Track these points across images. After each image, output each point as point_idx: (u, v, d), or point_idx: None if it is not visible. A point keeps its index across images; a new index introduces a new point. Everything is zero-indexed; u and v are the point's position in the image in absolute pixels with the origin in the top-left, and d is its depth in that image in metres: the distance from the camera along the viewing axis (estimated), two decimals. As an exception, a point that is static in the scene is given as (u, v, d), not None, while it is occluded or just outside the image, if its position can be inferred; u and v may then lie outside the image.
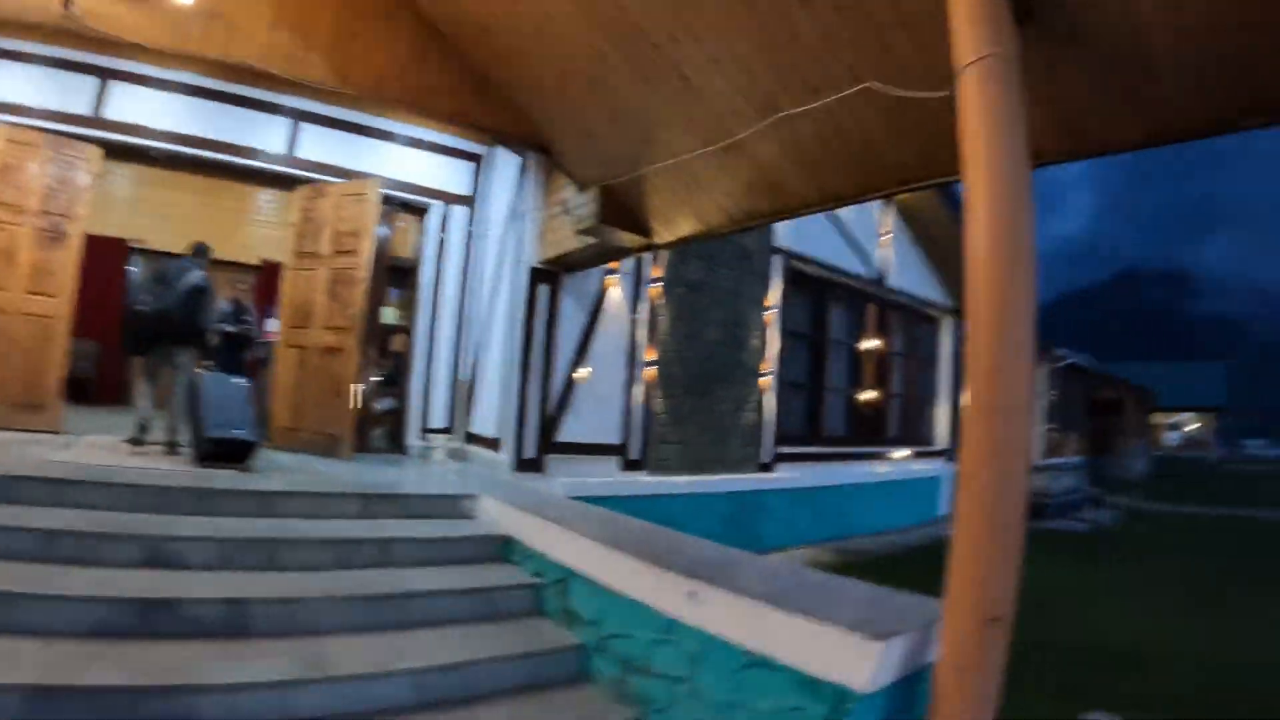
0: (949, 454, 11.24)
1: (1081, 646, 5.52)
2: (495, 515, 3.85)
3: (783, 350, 7.94)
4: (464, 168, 6.17)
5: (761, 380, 7.59)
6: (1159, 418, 39.80)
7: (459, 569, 3.37)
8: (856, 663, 1.97)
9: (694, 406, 6.79)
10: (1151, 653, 5.63)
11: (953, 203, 10.32)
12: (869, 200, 4.31)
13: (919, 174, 3.43)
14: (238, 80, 4.98)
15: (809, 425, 8.77)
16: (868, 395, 9.68)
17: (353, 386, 4.98)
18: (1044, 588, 7.04)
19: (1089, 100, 2.74)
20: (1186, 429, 42.33)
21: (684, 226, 4.78)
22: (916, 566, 7.37)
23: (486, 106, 5.15)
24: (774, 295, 7.79)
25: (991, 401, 1.98)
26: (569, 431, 5.82)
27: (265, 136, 5.27)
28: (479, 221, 6.16)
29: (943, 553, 6.84)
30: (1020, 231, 2.03)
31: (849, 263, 9.12)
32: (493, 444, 5.60)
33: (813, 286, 8.77)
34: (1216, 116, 2.60)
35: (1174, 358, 60.39)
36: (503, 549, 3.64)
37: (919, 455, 10.67)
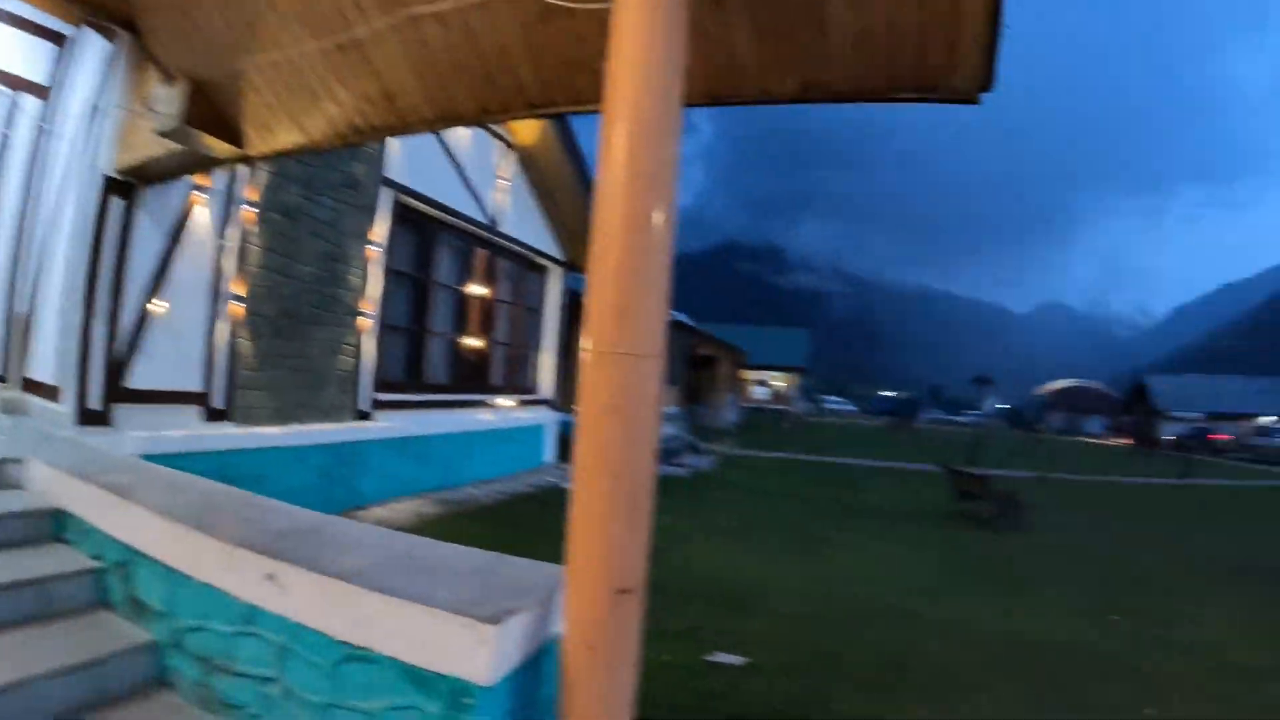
0: (552, 403, 13.61)
1: (697, 589, 6.71)
2: (48, 484, 3.75)
3: (386, 290, 8.97)
4: (44, 49, 5.80)
5: (361, 321, 8.53)
6: (749, 375, 50.78)
7: (2, 556, 3.20)
8: (471, 651, 2.01)
9: (286, 349, 7.47)
10: (763, 591, 7.01)
11: (574, 156, 12.43)
12: (493, 121, 4.14)
13: (553, 98, 3.56)
14: None
15: (412, 371, 10.02)
16: (473, 342, 11.31)
17: None
18: (654, 533, 9.32)
19: (753, 45, 2.95)
20: (773, 385, 54.02)
21: (284, 137, 4.73)
22: (523, 514, 9.13)
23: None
24: (380, 230, 8.75)
25: (619, 346, 2.13)
26: (142, 376, 5.88)
27: None
28: (54, 117, 5.85)
29: (546, 500, 8.95)
30: (664, 168, 2.20)
31: (463, 204, 10.51)
32: (52, 393, 5.48)
33: (422, 225, 9.95)
34: (873, 84, 2.97)
35: (764, 322, 76.77)
36: (58, 526, 3.56)
37: (524, 404, 12.76)
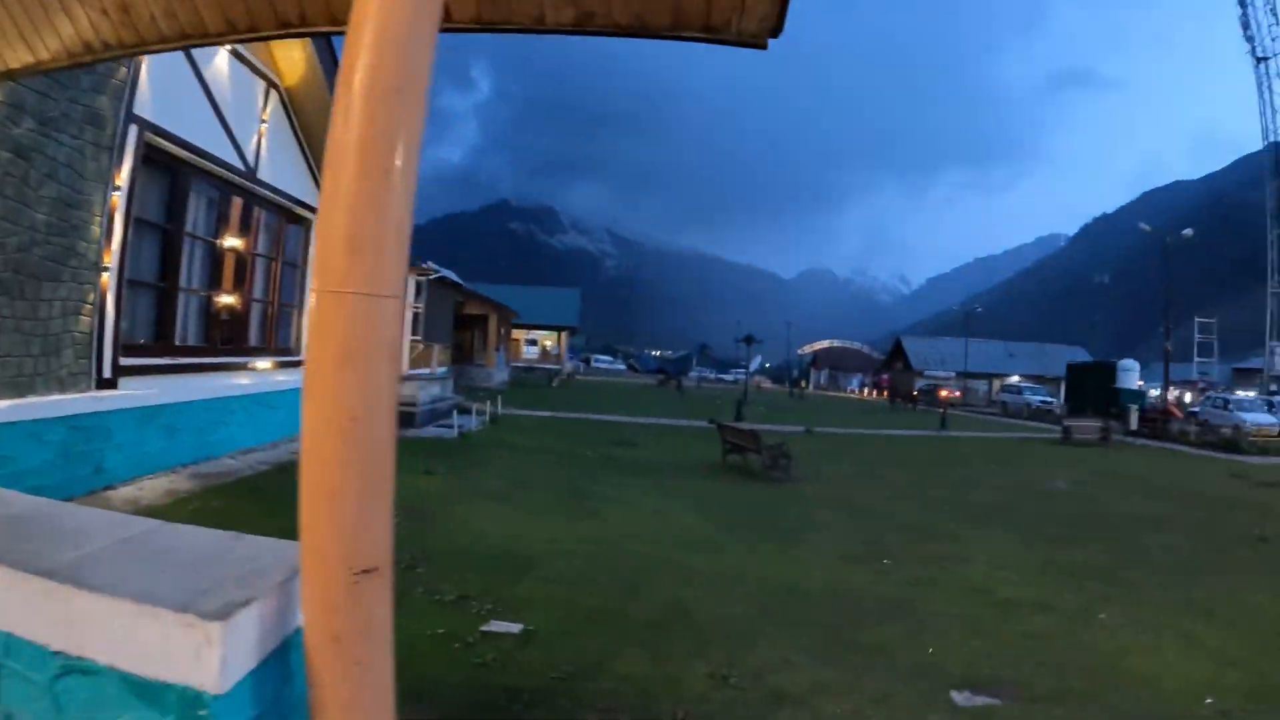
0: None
1: (469, 555, 6.69)
2: None
3: (131, 243, 8.22)
4: None
5: (104, 278, 7.81)
6: (520, 334, 51.03)
7: None
8: (196, 654, 1.79)
9: (15, 309, 6.70)
10: (538, 553, 7.06)
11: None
12: (242, 40, 3.56)
13: (307, 16, 3.32)
14: None
15: (162, 332, 9.28)
16: (230, 300, 10.63)
17: None
18: (421, 497, 8.86)
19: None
20: (544, 344, 54.76)
21: (9, 56, 4.32)
22: (285, 486, 8.83)
23: None
24: (125, 174, 8.00)
25: (352, 284, 1.90)
26: None
27: None
28: None
29: None
30: (411, 86, 2.02)
31: (219, 148, 9.77)
32: None
33: (174, 170, 9.15)
34: (657, 19, 2.89)
35: (536, 282, 77.85)
36: None
37: (283, 365, 12.19)
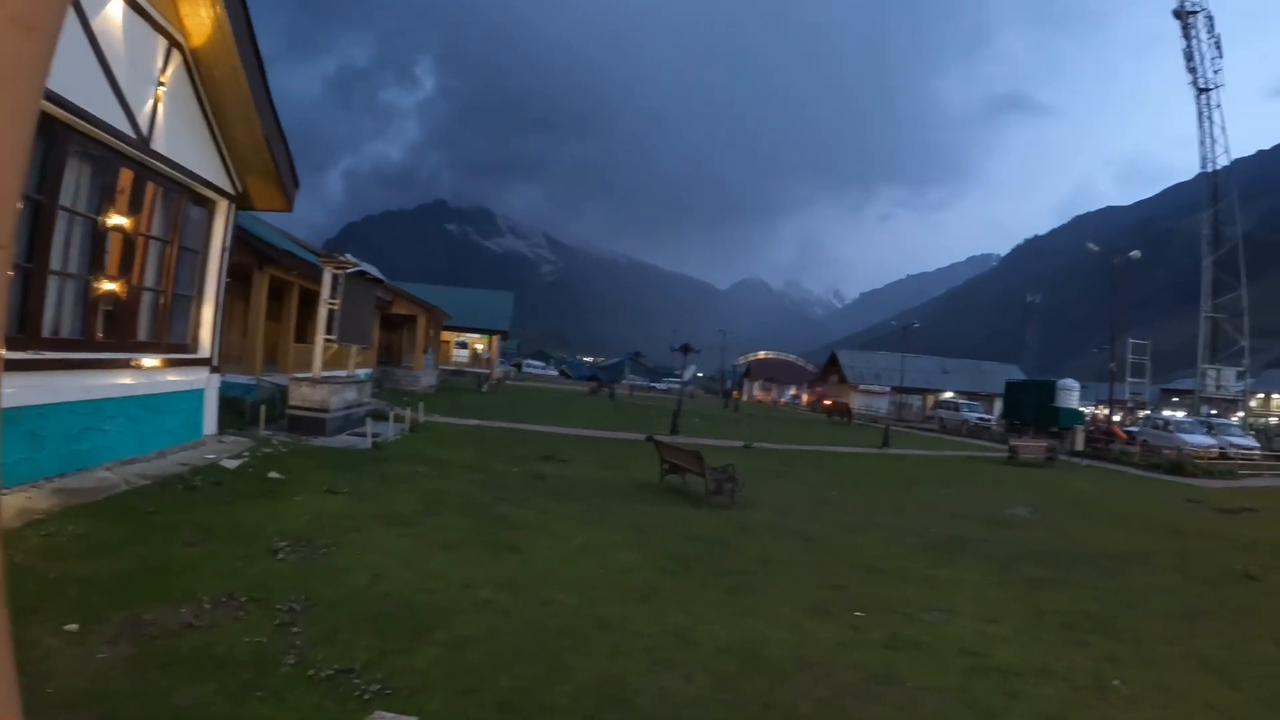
0: (213, 364, 11.93)
1: (361, 604, 5.72)
2: None
3: (-12, 215, 7.11)
4: None
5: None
6: (451, 336, 49.84)
7: None
8: None
9: None
10: (445, 603, 5.92)
11: (256, 66, 10.82)
12: None
13: None
14: None
15: (27, 322, 8.10)
16: (113, 286, 9.43)
17: None
18: (316, 522, 7.87)
19: None
20: (475, 347, 53.66)
21: None
22: (166, 505, 7.73)
23: None
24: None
25: None
26: None
27: None
28: None
29: (198, 484, 7.53)
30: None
31: (106, 110, 8.63)
32: None
33: (47, 131, 8.01)
34: None
35: (471, 284, 77.07)
36: None
37: (178, 364, 11.01)
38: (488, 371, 49.32)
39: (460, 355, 53.14)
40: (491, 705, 4.31)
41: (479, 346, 54.08)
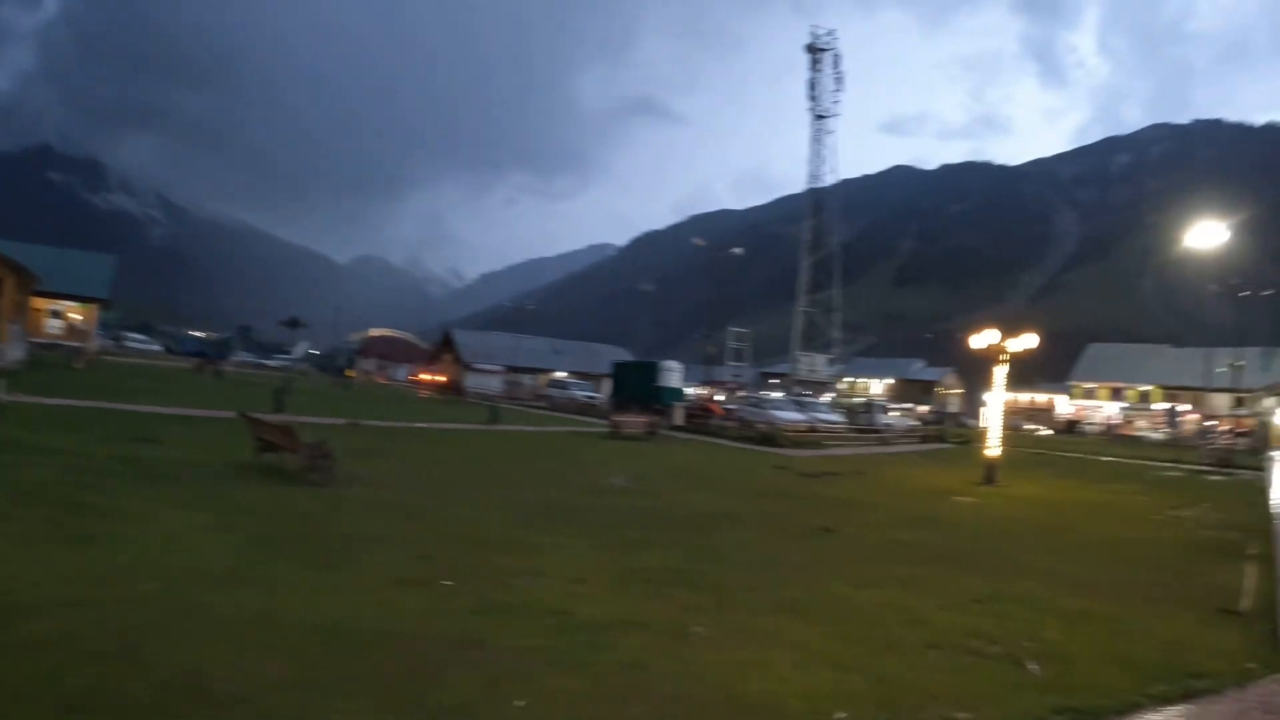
0: None
1: None
2: None
3: None
4: None
5: None
6: (43, 304, 46.54)
7: None
8: None
9: None
10: (12, 604, 5.47)
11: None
12: None
13: None
14: None
15: None
16: None
17: None
18: None
19: None
20: (70, 317, 50.14)
21: None
22: None
23: None
24: None
25: None
26: None
27: None
28: None
29: None
30: None
31: None
32: None
33: None
34: None
35: (72, 244, 69.21)
36: None
37: None
38: (83, 345, 46.59)
39: (54, 327, 49.73)
40: (56, 710, 4.02)
41: (74, 316, 50.73)
